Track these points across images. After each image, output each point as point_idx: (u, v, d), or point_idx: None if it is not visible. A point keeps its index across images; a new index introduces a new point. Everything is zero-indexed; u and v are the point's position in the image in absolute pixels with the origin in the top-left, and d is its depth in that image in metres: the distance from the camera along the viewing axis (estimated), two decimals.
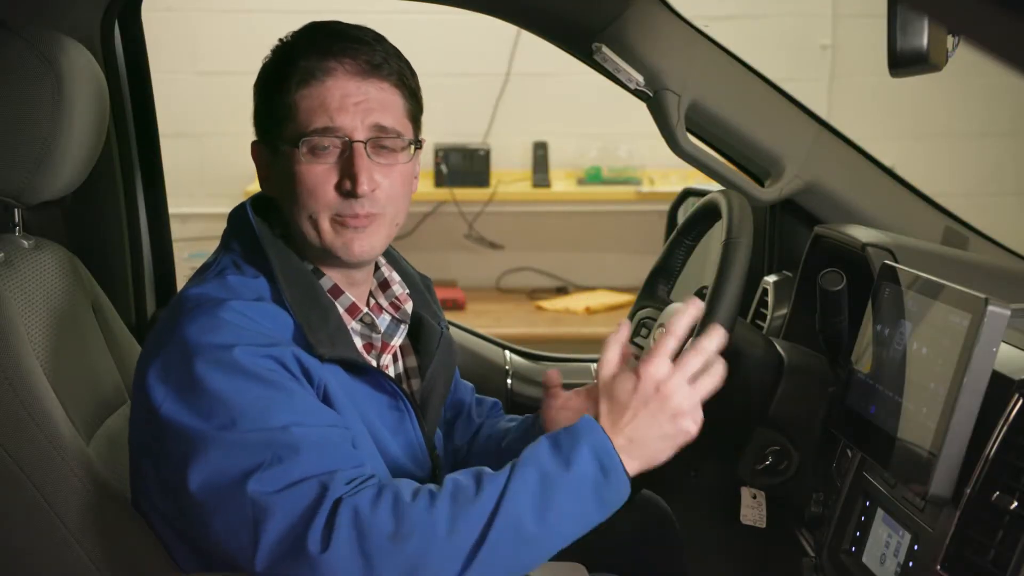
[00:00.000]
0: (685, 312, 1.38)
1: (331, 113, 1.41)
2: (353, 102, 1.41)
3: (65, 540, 1.44)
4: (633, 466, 1.32)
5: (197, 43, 4.21)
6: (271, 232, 1.46)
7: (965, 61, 1.26)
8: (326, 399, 1.38)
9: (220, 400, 1.30)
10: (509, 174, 4.33)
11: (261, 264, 1.43)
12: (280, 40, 1.49)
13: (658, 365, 1.33)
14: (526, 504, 1.26)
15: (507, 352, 2.41)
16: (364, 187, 1.40)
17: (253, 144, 1.50)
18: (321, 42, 1.44)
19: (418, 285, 1.64)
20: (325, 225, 1.42)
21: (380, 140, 1.43)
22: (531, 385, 2.35)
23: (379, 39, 1.46)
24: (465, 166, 4.18)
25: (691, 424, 1.34)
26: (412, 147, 1.47)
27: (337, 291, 1.48)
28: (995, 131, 4.46)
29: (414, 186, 1.51)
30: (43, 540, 1.44)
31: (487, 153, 4.23)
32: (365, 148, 1.42)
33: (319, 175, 1.41)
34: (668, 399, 1.32)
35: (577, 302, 4.23)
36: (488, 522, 1.25)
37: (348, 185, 1.41)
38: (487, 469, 1.31)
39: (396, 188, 1.45)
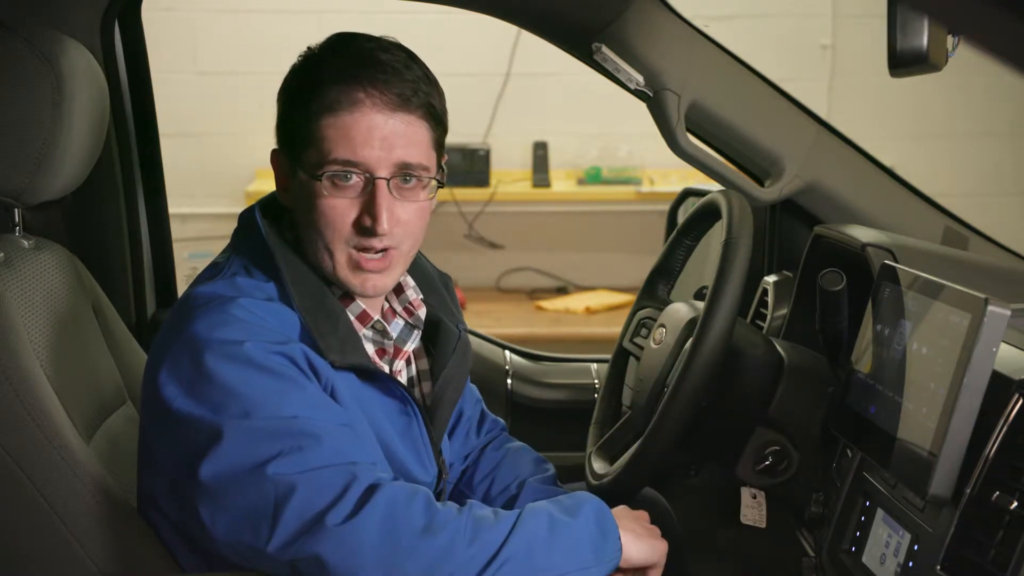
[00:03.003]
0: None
1: (355, 147, 1.38)
2: (379, 136, 1.38)
3: (65, 540, 1.44)
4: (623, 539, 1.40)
5: (197, 43, 4.21)
6: (281, 239, 1.45)
7: (965, 61, 1.26)
8: (333, 400, 1.38)
9: (233, 392, 1.29)
10: (509, 174, 4.33)
11: (271, 269, 1.42)
12: (308, 49, 1.45)
13: None
14: (537, 536, 1.32)
15: (507, 352, 2.41)
16: (384, 226, 1.39)
17: (273, 152, 1.47)
18: (350, 68, 1.39)
19: (436, 284, 1.63)
20: (341, 259, 1.41)
21: (404, 177, 1.41)
22: (531, 385, 2.35)
23: (409, 63, 1.42)
24: (465, 166, 4.18)
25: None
26: (435, 183, 1.45)
27: (348, 299, 1.47)
28: (995, 131, 4.46)
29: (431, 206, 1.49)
30: (43, 540, 1.44)
31: (487, 153, 4.23)
32: (388, 185, 1.39)
33: (338, 208, 1.39)
34: None
35: (577, 302, 4.23)
36: (503, 542, 1.30)
37: (368, 222, 1.39)
38: (498, 509, 1.37)
39: (414, 223, 1.44)
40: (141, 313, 2.17)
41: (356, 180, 1.39)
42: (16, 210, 1.71)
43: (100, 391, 1.68)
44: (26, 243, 1.69)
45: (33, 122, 1.58)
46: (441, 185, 1.47)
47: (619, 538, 1.38)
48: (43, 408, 1.44)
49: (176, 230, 2.32)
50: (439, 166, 1.47)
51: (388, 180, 1.39)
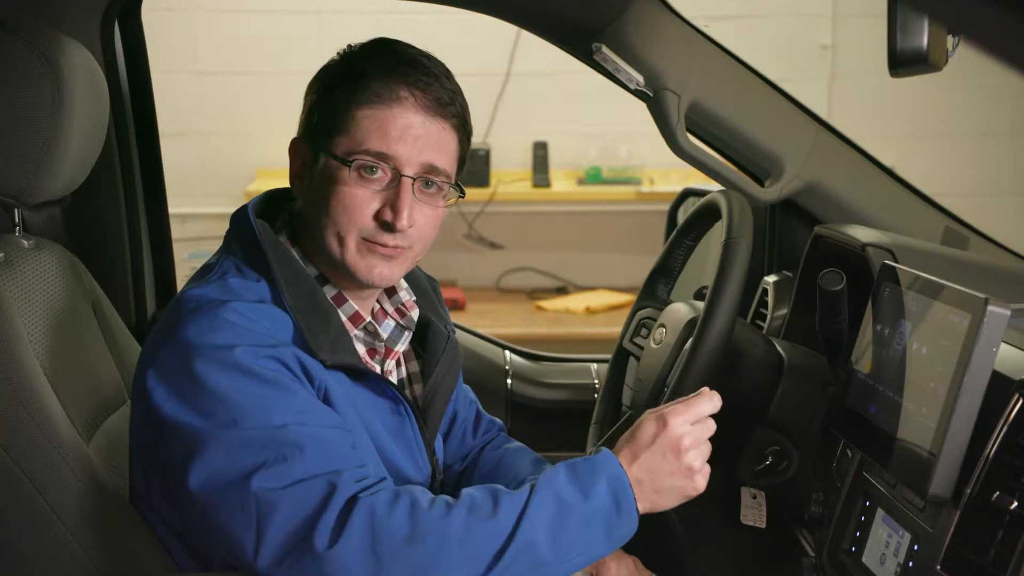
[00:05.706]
0: (710, 399, 1.39)
1: (389, 140, 1.40)
2: (413, 135, 1.40)
3: (64, 540, 1.44)
4: (641, 505, 1.35)
5: (197, 43, 4.20)
6: (273, 236, 1.45)
7: (965, 61, 1.26)
8: (327, 402, 1.37)
9: (221, 399, 1.29)
10: (509, 174, 4.33)
11: (263, 268, 1.42)
12: (349, 46, 1.47)
13: (684, 421, 1.36)
14: (542, 528, 1.28)
15: (507, 352, 2.41)
16: (404, 222, 1.40)
17: (294, 141, 1.48)
18: (396, 66, 1.42)
19: (425, 288, 1.63)
20: (351, 244, 1.42)
21: (429, 180, 1.43)
22: (531, 385, 2.35)
23: (448, 74, 1.45)
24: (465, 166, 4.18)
25: (701, 480, 1.37)
26: (453, 191, 1.46)
27: (341, 299, 1.47)
28: (995, 131, 4.46)
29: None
30: (43, 540, 1.44)
31: (487, 153, 4.23)
32: (412, 184, 1.41)
33: (361, 198, 1.40)
34: (685, 454, 1.35)
35: (577, 302, 4.23)
36: (506, 541, 1.27)
37: (388, 215, 1.40)
38: (502, 487, 1.32)
39: (428, 228, 1.45)
40: (141, 313, 2.17)
41: (382, 174, 1.41)
42: (16, 210, 1.71)
43: (100, 391, 1.68)
44: (26, 243, 1.69)
45: (33, 122, 1.58)
46: (461, 196, 1.49)
47: (635, 507, 1.33)
48: (43, 408, 1.44)
49: (176, 230, 2.32)
50: (458, 179, 1.49)
51: (413, 180, 1.41)
